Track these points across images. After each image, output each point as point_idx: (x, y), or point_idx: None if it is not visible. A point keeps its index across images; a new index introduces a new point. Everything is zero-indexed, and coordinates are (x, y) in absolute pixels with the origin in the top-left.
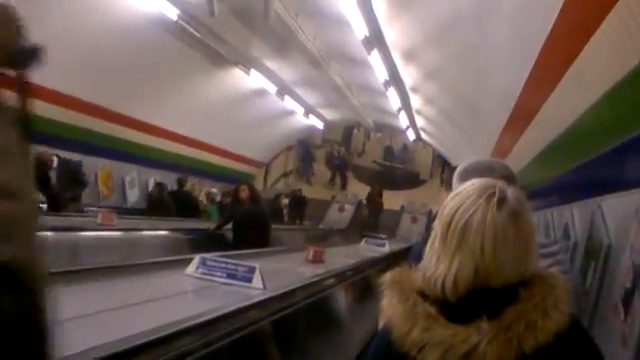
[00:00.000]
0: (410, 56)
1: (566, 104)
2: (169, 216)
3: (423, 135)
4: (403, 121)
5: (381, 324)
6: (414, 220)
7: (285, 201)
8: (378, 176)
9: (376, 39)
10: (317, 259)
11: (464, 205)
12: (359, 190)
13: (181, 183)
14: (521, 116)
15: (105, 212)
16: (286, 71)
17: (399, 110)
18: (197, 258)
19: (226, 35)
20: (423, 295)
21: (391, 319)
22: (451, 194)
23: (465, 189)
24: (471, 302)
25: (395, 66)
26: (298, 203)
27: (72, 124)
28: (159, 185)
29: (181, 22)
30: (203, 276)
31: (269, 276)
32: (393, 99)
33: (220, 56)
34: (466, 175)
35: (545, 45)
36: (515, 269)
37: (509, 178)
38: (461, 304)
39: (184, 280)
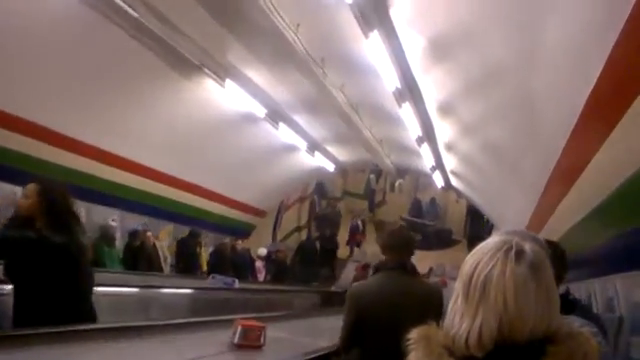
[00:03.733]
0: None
1: (611, 166)
2: None
3: (453, 181)
4: (427, 159)
5: None
6: (443, 284)
7: (262, 250)
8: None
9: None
10: (250, 341)
11: (483, 261)
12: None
13: None
14: (563, 177)
15: None
16: (276, 88)
17: (420, 141)
18: None
19: (191, 31)
20: (449, 351)
21: None
22: (470, 253)
23: (483, 246)
24: (497, 358)
25: (412, 75)
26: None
27: None
28: None
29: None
30: None
31: None
32: (412, 127)
33: (184, 60)
34: None
35: (589, 100)
36: (539, 321)
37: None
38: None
39: None
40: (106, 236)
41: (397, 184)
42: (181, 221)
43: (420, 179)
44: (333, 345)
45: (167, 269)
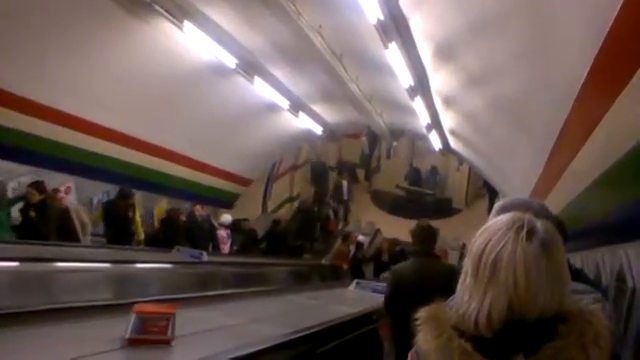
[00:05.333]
0: None
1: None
2: None
3: (452, 142)
4: (422, 116)
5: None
6: (443, 255)
7: (227, 217)
8: (402, 203)
9: None
10: (151, 335)
11: (493, 239)
12: (376, 218)
13: None
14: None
15: None
16: (246, 33)
17: (412, 92)
18: None
19: None
20: (458, 331)
21: (426, 354)
22: (480, 230)
23: (493, 223)
24: (507, 337)
25: (398, 5)
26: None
27: None
28: None
29: None
30: None
31: None
32: (402, 75)
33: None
34: (501, 212)
35: (602, 47)
36: (550, 300)
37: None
38: (497, 340)
39: None
40: None
41: (392, 147)
42: (149, 189)
43: (416, 142)
44: (295, 332)
45: (87, 238)
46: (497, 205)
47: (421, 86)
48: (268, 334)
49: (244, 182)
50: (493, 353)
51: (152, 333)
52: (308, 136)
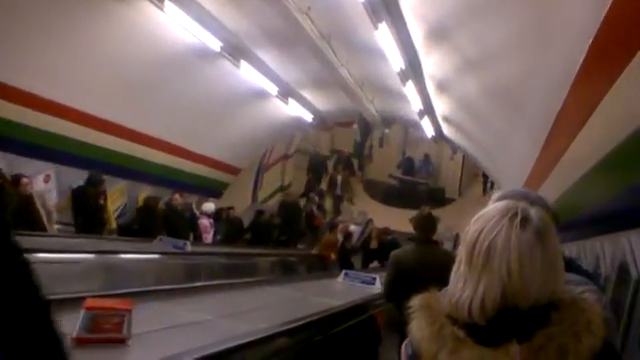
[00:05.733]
0: None
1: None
2: None
3: (446, 130)
4: (414, 101)
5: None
6: None
7: (209, 206)
8: (395, 192)
9: None
10: (103, 333)
11: (487, 227)
12: (369, 207)
13: None
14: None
15: None
16: (231, 14)
17: (403, 76)
18: None
19: None
20: (452, 319)
21: (419, 342)
22: (474, 218)
23: (487, 211)
24: (500, 325)
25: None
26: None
27: None
28: None
29: None
30: None
31: None
32: (393, 57)
33: None
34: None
35: (600, 30)
36: (543, 289)
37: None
38: (490, 327)
39: None
40: None
41: (384, 135)
42: (133, 177)
43: (409, 130)
44: (275, 326)
45: (53, 227)
46: (494, 196)
47: (413, 70)
48: (240, 331)
49: (233, 171)
50: (486, 340)
51: (104, 331)
52: (299, 124)
